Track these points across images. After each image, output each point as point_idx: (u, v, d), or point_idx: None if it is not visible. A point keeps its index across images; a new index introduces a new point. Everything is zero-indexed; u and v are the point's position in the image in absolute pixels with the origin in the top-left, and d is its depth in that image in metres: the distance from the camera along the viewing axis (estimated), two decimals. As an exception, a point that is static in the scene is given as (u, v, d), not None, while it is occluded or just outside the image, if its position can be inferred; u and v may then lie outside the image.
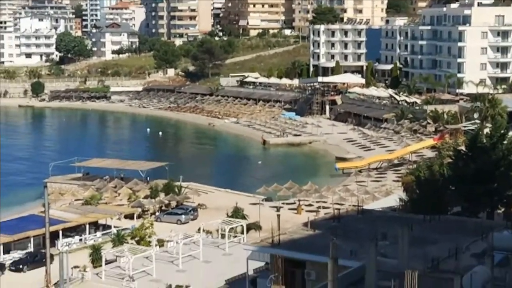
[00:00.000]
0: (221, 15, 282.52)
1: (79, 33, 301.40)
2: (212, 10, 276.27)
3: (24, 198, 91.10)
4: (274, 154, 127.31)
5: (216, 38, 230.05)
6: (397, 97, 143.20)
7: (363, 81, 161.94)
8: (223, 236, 62.97)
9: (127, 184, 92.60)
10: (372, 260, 32.51)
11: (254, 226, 67.93)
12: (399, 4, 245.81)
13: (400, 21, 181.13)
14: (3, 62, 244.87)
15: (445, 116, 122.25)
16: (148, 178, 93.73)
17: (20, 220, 72.12)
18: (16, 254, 65.19)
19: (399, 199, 67.17)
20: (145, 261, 56.34)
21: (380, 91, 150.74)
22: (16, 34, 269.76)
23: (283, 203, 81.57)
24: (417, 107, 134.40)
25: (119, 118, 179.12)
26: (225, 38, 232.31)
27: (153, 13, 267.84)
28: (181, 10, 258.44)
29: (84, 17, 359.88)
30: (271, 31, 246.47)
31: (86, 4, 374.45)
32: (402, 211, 59.05)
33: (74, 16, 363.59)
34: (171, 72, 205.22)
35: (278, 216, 51.89)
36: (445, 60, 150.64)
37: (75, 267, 55.54)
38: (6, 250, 65.10)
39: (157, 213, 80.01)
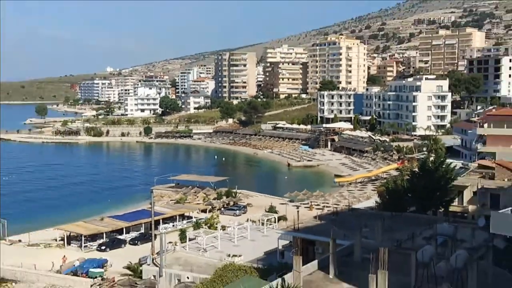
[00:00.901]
0: (261, 85, 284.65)
1: (173, 97, 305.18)
2: (256, 82, 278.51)
3: (138, 199, 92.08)
4: (295, 172, 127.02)
5: (259, 99, 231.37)
6: (373, 137, 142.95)
7: (351, 126, 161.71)
8: (262, 224, 62.81)
9: (202, 190, 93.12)
10: (358, 241, 32.18)
11: (282, 218, 67.57)
12: (374, 78, 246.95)
13: (375, 89, 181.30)
14: (126, 114, 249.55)
15: (405, 149, 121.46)
16: (215, 187, 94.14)
17: (135, 213, 72.81)
18: (133, 234, 65.84)
19: (375, 202, 66.62)
20: (213, 239, 56.36)
21: (362, 133, 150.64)
22: (135, 97, 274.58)
23: (300, 203, 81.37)
24: (386, 143, 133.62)
25: (197, 149, 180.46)
26: (264, 99, 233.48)
27: (220, 84, 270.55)
28: (237, 82, 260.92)
29: (177, 87, 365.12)
30: (293, 95, 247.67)
31: (178, 79, 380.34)
32: (377, 210, 58.48)
33: (170, 86, 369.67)
34: (230, 120, 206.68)
35: (298, 212, 51.70)
36: (404, 113, 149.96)
37: (170, 242, 55.80)
38: (127, 232, 65.77)
39: (221, 209, 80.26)
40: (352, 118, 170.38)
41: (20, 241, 64.24)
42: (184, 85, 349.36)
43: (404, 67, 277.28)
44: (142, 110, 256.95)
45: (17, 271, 54.00)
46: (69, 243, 62.88)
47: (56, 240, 64.46)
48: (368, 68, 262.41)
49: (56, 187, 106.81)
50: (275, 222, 65.04)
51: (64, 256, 56.65)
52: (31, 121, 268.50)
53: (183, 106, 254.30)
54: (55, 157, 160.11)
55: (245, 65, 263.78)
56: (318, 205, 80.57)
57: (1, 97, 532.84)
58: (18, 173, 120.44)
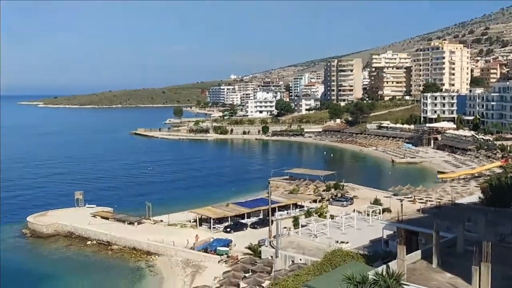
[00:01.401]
0: (367, 88, 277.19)
1: (287, 99, 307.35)
2: (362, 85, 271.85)
3: (257, 189, 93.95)
4: (398, 168, 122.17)
5: (364, 101, 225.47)
6: (476, 136, 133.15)
7: (454, 126, 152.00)
8: (368, 214, 61.34)
9: (313, 183, 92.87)
10: (461, 233, 30.31)
11: (386, 210, 65.49)
12: (478, 80, 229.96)
13: (478, 90, 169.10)
14: (247, 115, 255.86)
15: (509, 147, 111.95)
16: (324, 180, 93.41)
17: (255, 200, 74.35)
18: (253, 219, 67.37)
19: (478, 197, 62.12)
20: (323, 226, 56.10)
21: (465, 132, 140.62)
22: (255, 100, 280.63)
23: (404, 197, 78.09)
24: (490, 142, 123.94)
25: (308, 146, 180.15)
26: (370, 101, 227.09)
27: (328, 88, 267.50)
28: (344, 86, 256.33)
29: (290, 91, 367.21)
30: (397, 97, 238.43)
31: (292, 84, 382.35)
32: (480, 205, 54.57)
33: (285, 90, 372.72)
34: (338, 120, 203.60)
35: (401, 204, 49.78)
36: (508, 113, 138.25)
37: (284, 228, 56.42)
38: (248, 217, 67.46)
39: (330, 200, 79.55)
40: (455, 118, 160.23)
41: (161, 221, 68.37)
42: (297, 89, 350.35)
43: (508, 69, 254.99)
44: (261, 112, 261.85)
45: (159, 246, 57.78)
46: (200, 224, 65.87)
47: (190, 221, 67.83)
48: (471, 70, 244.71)
49: (189, 177, 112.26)
50: (379, 213, 63.11)
51: (197, 235, 59.51)
52: (170, 121, 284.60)
53: (295, 108, 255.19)
54: (189, 151, 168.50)
55: (351, 70, 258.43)
56: (421, 199, 76.86)
57: (146, 101, 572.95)
58: (160, 165, 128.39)
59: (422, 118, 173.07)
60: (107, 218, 69.06)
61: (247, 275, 45.74)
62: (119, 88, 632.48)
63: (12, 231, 67.18)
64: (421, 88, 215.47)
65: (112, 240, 61.40)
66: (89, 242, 62.36)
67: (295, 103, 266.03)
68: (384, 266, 26.00)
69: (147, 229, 64.14)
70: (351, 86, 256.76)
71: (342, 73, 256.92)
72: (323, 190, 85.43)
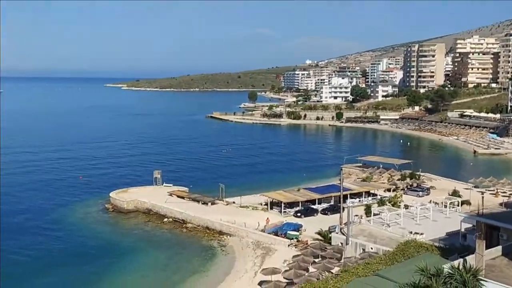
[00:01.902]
0: (449, 74, 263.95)
1: (363, 86, 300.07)
2: (444, 71, 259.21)
3: (329, 175, 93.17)
4: (481, 160, 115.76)
5: (446, 88, 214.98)
6: None
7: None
8: (445, 206, 58.86)
9: (387, 171, 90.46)
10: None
11: (466, 202, 62.47)
12: None
13: None
14: (321, 101, 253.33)
15: None
16: (399, 169, 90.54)
17: (327, 187, 73.65)
18: (324, 205, 66.94)
19: None
20: (396, 216, 54.62)
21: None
22: (329, 86, 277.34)
23: (486, 190, 73.85)
24: None
25: (383, 134, 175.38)
26: (452, 88, 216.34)
27: (408, 74, 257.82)
28: (425, 72, 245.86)
29: (366, 77, 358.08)
30: (482, 84, 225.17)
31: (369, 69, 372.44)
32: None
33: (361, 76, 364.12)
34: (416, 108, 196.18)
35: (482, 197, 47.30)
36: None
37: (356, 215, 55.59)
38: (319, 203, 67.11)
39: (404, 189, 77.13)
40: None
41: (234, 202, 69.74)
42: (374, 75, 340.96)
43: None
44: (335, 97, 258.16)
45: (231, 226, 59.12)
46: (271, 208, 66.47)
47: (261, 204, 68.64)
48: None
49: (262, 161, 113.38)
50: (458, 205, 60.38)
51: (268, 218, 60.21)
52: (244, 105, 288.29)
53: (371, 94, 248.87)
54: (262, 136, 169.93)
55: (433, 56, 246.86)
56: (504, 192, 72.49)
57: (222, 85, 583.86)
58: (234, 148, 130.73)
59: (509, 107, 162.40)
60: (182, 197, 71.61)
61: (316, 260, 45.69)
62: (197, 72, 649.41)
63: (97, 206, 71.60)
64: (509, 75, 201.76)
65: (187, 218, 63.67)
66: (165, 219, 65.11)
67: (372, 89, 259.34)
68: (461, 260, 24.92)
69: (220, 210, 65.78)
70: (432, 72, 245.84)
71: (423, 58, 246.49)
72: (398, 179, 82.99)
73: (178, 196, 72.16)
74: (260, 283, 41.90)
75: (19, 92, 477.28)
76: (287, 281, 41.28)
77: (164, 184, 78.93)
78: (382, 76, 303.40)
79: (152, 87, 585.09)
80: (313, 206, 65.68)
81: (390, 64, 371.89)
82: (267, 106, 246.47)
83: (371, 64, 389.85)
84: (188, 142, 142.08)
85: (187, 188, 77.42)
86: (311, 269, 43.85)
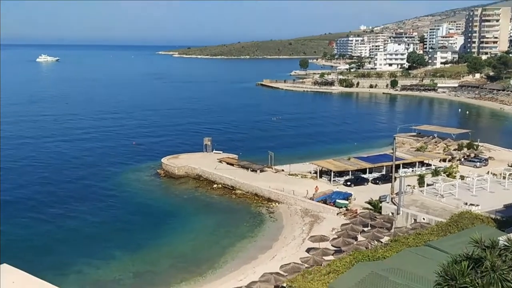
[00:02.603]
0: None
1: (421, 52, 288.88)
2: (508, 37, 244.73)
3: (381, 144, 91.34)
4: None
5: (510, 55, 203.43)
6: None
7: None
8: (504, 177, 56.59)
9: (443, 141, 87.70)
10: None
11: (527, 175, 59.78)
12: None
13: None
14: (375, 68, 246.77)
15: None
16: (456, 138, 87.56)
17: (378, 156, 72.59)
18: (375, 175, 66.03)
19: None
20: (451, 187, 53.15)
21: None
22: (384, 53, 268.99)
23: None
24: None
25: (440, 102, 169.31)
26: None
27: (469, 40, 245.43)
28: (487, 38, 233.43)
29: (424, 43, 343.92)
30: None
31: (427, 35, 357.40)
32: None
33: (419, 42, 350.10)
34: (477, 75, 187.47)
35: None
36: None
37: (408, 185, 54.57)
38: (369, 172, 66.24)
39: (461, 160, 74.63)
40: None
41: (282, 170, 70.11)
42: (432, 41, 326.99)
43: None
44: (390, 65, 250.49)
45: (280, 194, 59.57)
46: (320, 176, 66.31)
47: (310, 172, 68.60)
48: None
49: (312, 129, 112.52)
50: (518, 177, 57.95)
51: (316, 186, 60.16)
52: (295, 72, 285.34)
53: (429, 61, 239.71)
54: (313, 103, 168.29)
55: (497, 20, 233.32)
56: None
57: (273, 53, 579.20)
58: (284, 116, 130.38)
59: None
60: (232, 164, 72.61)
61: (365, 229, 45.41)
62: (247, 40, 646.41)
63: (149, 171, 73.94)
64: None
65: (236, 185, 64.67)
66: (215, 186, 66.42)
67: (429, 55, 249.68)
68: (518, 232, 24.00)
69: (269, 177, 66.30)
70: (495, 38, 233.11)
71: (486, 23, 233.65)
72: (454, 149, 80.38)
73: (228, 163, 73.20)
74: (308, 250, 42.21)
75: (74, 59, 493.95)
76: (335, 249, 41.38)
77: (214, 151, 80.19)
78: (442, 42, 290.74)
79: (203, 55, 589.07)
80: (363, 175, 64.97)
81: (450, 29, 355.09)
82: (319, 73, 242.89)
83: (430, 29, 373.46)
84: (238, 110, 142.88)
85: (237, 155, 78.33)
86: (360, 238, 43.67)
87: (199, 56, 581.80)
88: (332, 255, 39.64)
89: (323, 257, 38.72)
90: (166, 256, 44.61)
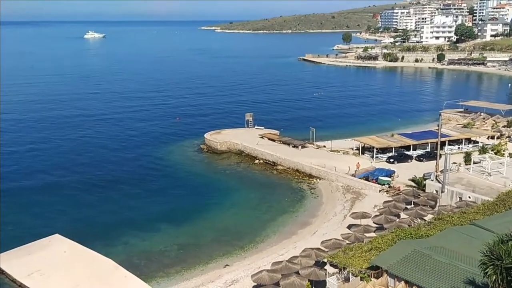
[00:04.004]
0: None
1: (469, 24, 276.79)
2: None
3: (426, 120, 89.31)
4: None
5: None
6: None
7: None
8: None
9: (491, 117, 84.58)
10: None
11: None
12: None
13: None
14: (421, 42, 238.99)
15: None
16: (506, 115, 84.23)
17: (423, 133, 70.98)
18: (419, 152, 64.67)
19: None
20: (499, 165, 51.42)
21: None
22: (431, 25, 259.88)
23: None
24: None
25: (490, 77, 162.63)
26: None
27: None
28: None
29: (474, 14, 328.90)
30: None
31: (477, 6, 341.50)
32: None
33: (468, 13, 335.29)
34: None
35: None
36: None
37: (454, 163, 53.21)
38: (413, 149, 64.90)
39: (510, 137, 71.84)
40: None
41: (324, 146, 69.73)
42: (482, 13, 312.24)
43: None
44: (437, 38, 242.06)
45: (321, 170, 59.37)
46: (363, 153, 65.53)
47: (352, 149, 67.92)
48: None
49: (355, 105, 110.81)
50: None
51: (358, 163, 59.54)
52: (338, 47, 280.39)
53: (479, 33, 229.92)
54: (356, 78, 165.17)
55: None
56: None
57: (315, 27, 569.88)
58: (326, 91, 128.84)
59: None
60: (273, 140, 72.74)
61: (408, 207, 44.80)
62: (290, 14, 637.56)
63: (193, 146, 75.11)
64: None
65: (277, 160, 64.87)
66: (256, 161, 66.88)
67: (479, 28, 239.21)
68: None
69: (310, 153, 66.10)
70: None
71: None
72: (503, 126, 77.54)
73: (269, 139, 73.38)
74: (349, 227, 42.15)
75: (120, 36, 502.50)
76: (377, 226, 41.12)
77: (256, 127, 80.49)
78: (492, 13, 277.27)
79: (245, 29, 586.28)
80: (407, 152, 63.78)
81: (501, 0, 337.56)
82: (362, 47, 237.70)
83: (480, 0, 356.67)
84: (280, 85, 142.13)
85: (278, 131, 78.35)
86: (403, 215, 43.17)
87: (241, 31, 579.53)
88: (374, 232, 39.44)
89: (365, 234, 38.58)
90: (209, 229, 45.58)
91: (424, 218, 40.84)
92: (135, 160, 68.70)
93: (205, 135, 76.11)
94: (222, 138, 74.08)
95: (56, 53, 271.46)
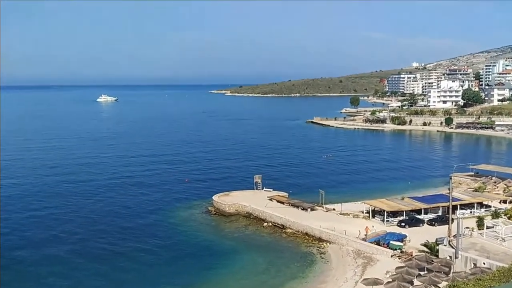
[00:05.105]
0: None
1: (476, 89, 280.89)
2: None
3: (436, 184, 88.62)
4: None
5: None
6: None
7: None
8: None
9: (503, 181, 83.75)
10: None
11: None
12: None
13: None
14: (429, 106, 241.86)
15: None
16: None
17: (434, 196, 70.27)
18: (430, 216, 63.72)
19: None
20: (513, 230, 50.40)
21: None
22: (438, 90, 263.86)
23: None
24: None
25: (499, 141, 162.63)
26: None
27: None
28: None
29: (480, 79, 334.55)
30: None
31: (483, 71, 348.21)
32: None
33: (474, 78, 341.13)
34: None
35: None
36: None
37: (467, 227, 52.18)
38: (425, 213, 64.02)
39: (523, 202, 70.87)
40: None
41: (334, 209, 68.94)
42: (488, 78, 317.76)
43: None
44: (444, 102, 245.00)
45: (331, 234, 58.42)
46: (373, 216, 64.68)
47: (362, 212, 67.10)
48: None
49: (364, 167, 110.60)
50: None
51: (367, 226, 58.59)
52: (346, 110, 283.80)
53: (486, 98, 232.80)
54: (364, 141, 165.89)
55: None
56: None
57: (323, 90, 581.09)
58: (334, 153, 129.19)
59: None
60: (282, 202, 72.21)
61: (422, 273, 43.53)
62: (298, 78, 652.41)
63: (200, 208, 74.64)
64: None
65: (286, 223, 64.08)
66: (265, 224, 66.09)
67: (486, 93, 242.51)
68: None
69: (320, 216, 65.32)
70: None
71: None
72: (515, 190, 76.52)
73: (278, 201, 72.88)
74: (361, 293, 40.86)
75: (131, 99, 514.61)
76: (389, 293, 39.80)
77: (265, 189, 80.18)
78: (498, 78, 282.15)
79: (254, 93, 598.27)
80: (418, 216, 62.86)
81: (507, 65, 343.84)
82: (370, 111, 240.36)
83: (486, 66, 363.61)
84: (288, 147, 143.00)
85: (287, 193, 77.94)
86: (416, 282, 41.88)
87: (250, 95, 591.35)
88: (386, 299, 38.12)
89: (377, 302, 37.27)
90: (216, 294, 44.37)
91: (438, 285, 39.60)
92: (141, 221, 68.12)
93: (214, 197, 75.84)
94: (231, 200, 73.72)
95: (70, 116, 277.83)
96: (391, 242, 53.50)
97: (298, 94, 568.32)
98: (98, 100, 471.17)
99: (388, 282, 41.36)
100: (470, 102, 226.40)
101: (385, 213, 62.49)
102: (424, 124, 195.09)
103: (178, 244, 58.98)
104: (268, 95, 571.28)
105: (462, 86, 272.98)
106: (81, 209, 74.74)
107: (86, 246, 57.79)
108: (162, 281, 47.30)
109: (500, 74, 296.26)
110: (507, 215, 58.70)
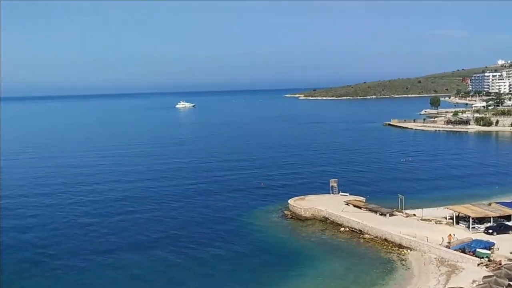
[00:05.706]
0: None
1: None
2: None
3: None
4: None
5: None
6: None
7: None
8: None
9: None
10: None
11: None
12: None
13: None
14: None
15: None
16: None
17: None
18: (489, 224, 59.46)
19: None
20: None
21: None
22: None
23: None
24: None
25: None
26: None
27: None
28: None
29: None
30: None
31: None
32: None
33: None
34: None
35: None
36: None
37: None
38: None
39: None
40: None
41: (414, 215, 66.58)
42: None
43: None
44: None
45: (412, 240, 56.44)
46: (457, 223, 61.70)
47: (445, 218, 64.21)
48: None
49: (447, 171, 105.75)
50: None
51: (450, 234, 55.88)
52: (425, 111, 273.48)
53: None
54: (446, 144, 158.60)
55: None
56: None
57: (400, 92, 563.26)
58: (414, 157, 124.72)
59: None
60: (359, 207, 70.81)
61: (512, 284, 40.87)
62: (373, 80, 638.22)
63: (276, 212, 74.98)
64: None
65: (364, 229, 62.74)
66: (342, 229, 65.12)
67: None
68: None
69: (399, 222, 63.34)
70: None
71: None
72: None
73: (355, 206, 71.58)
74: (445, 303, 39.06)
75: (208, 105, 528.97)
76: (476, 304, 37.73)
77: (341, 193, 79.10)
78: None
79: (328, 96, 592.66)
80: (508, 223, 59.05)
81: None
82: (452, 112, 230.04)
83: None
84: (365, 151, 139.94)
85: (364, 198, 76.34)
86: (506, 293, 39.35)
87: (324, 98, 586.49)
88: (474, 310, 36.18)
89: (463, 313, 35.46)
90: (294, 299, 44.32)
91: (532, 297, 36.93)
92: (218, 225, 69.52)
93: (289, 201, 75.90)
94: (306, 204, 73.40)
95: (154, 122, 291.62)
96: (477, 250, 50.73)
97: (374, 96, 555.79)
98: (177, 106, 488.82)
99: (475, 293, 39.22)
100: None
101: (471, 219, 59.34)
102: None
103: (254, 248, 59.23)
104: (343, 97, 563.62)
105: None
106: (165, 213, 77.53)
107: (169, 251, 59.95)
108: (237, 286, 47.97)
109: None
110: None
